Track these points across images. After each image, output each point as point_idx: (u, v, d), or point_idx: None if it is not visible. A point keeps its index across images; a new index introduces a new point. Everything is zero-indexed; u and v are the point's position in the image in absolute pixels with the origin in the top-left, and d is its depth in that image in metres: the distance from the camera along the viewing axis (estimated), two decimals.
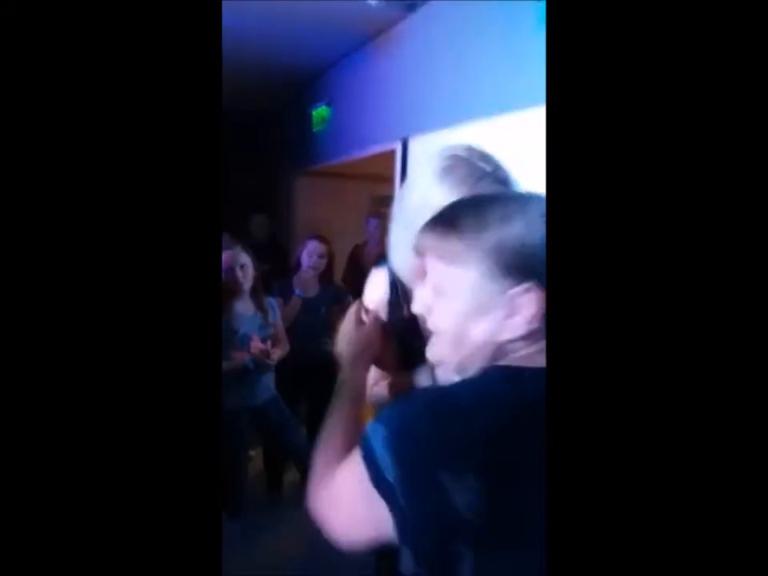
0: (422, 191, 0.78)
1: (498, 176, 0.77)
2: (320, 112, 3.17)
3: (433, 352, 0.61)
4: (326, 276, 2.33)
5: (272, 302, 2.06)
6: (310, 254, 2.27)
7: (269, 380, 2.02)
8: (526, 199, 0.55)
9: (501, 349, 0.54)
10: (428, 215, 0.69)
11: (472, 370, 0.55)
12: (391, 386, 0.89)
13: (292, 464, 2.21)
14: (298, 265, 2.31)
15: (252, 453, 2.35)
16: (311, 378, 2.40)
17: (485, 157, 0.79)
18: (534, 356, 0.53)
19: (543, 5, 1.60)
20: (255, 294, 1.98)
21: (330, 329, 2.41)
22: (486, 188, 0.74)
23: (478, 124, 1.89)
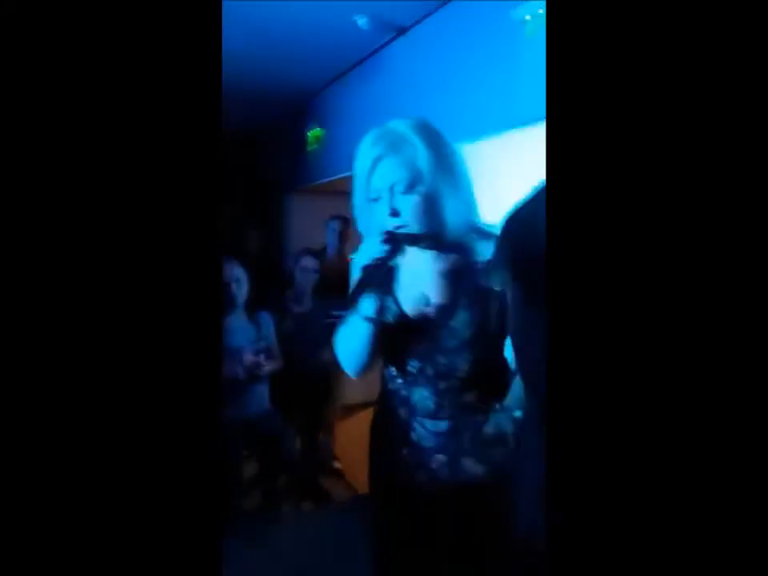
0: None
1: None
2: (314, 133, 3.28)
3: None
4: (318, 290, 2.39)
5: (265, 316, 2.11)
6: (303, 269, 2.33)
7: (262, 392, 2.06)
8: None
9: None
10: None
11: None
12: None
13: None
14: (292, 280, 2.37)
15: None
16: (306, 391, 2.44)
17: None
18: None
19: (532, 26, 1.64)
20: (249, 307, 2.04)
21: (324, 341, 2.46)
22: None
23: (466, 145, 1.94)
